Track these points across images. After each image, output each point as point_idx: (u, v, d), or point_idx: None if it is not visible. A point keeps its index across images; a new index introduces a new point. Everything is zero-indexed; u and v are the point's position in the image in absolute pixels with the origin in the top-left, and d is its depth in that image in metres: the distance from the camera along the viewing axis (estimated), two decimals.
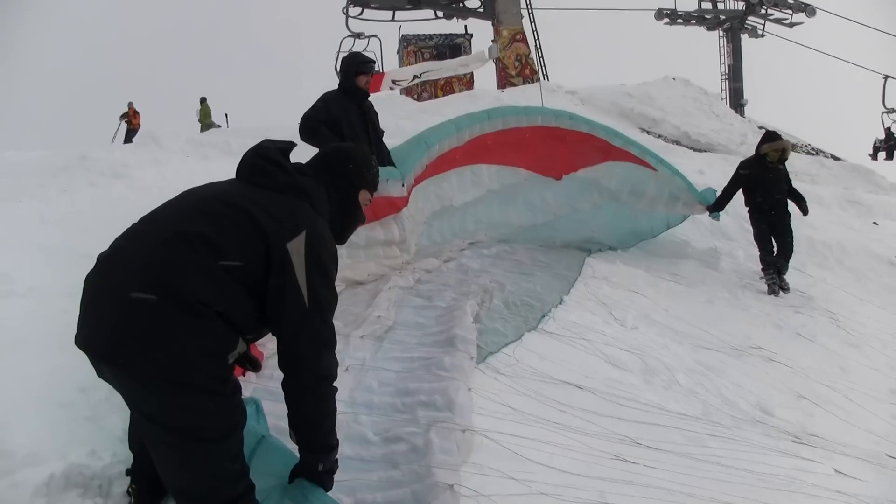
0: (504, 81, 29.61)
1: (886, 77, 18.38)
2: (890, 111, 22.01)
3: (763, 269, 10.03)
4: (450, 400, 4.60)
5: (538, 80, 26.26)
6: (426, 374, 5.07)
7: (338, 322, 5.69)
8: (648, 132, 22.57)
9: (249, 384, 4.40)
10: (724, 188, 10.33)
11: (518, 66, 30.62)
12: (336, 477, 3.22)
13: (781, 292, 9.79)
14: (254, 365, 3.29)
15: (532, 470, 4.22)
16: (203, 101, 27.86)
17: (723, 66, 36.55)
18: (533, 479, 4.13)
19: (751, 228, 10.32)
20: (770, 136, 10.42)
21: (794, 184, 10.46)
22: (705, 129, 23.86)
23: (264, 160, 3.16)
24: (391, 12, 32.21)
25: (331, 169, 3.35)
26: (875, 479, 5.35)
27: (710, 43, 36.88)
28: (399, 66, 32.05)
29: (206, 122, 26.31)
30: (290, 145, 3.30)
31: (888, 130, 24.21)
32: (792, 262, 10.10)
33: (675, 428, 5.18)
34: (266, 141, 3.25)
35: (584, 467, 4.39)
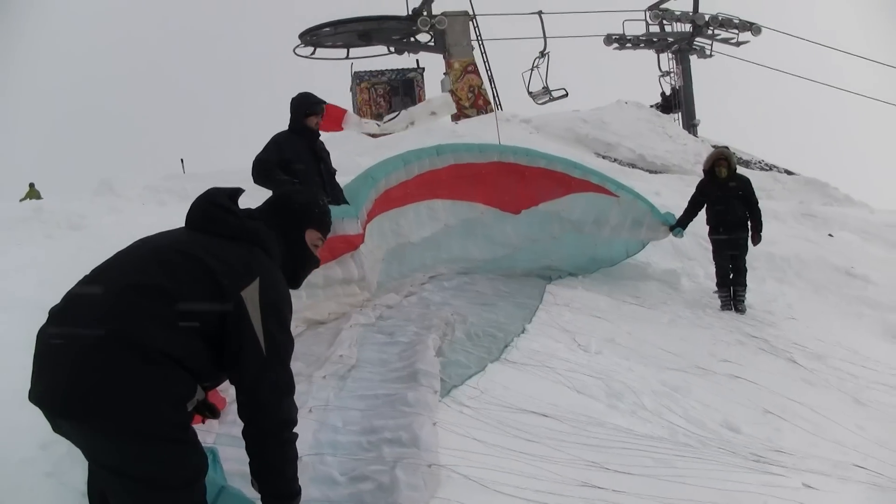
0: (458, 113, 29.78)
1: None
2: None
3: (717, 286, 10.10)
4: (415, 435, 4.56)
5: (492, 110, 26.44)
6: (390, 410, 5.03)
7: (299, 363, 5.69)
8: (604, 157, 22.79)
9: (212, 432, 4.34)
10: (690, 201, 10.40)
11: (471, 98, 30.88)
12: None
13: (737, 312, 9.85)
14: (213, 412, 3.25)
15: (500, 502, 4.18)
16: (31, 185, 26.81)
17: (674, 86, 37.00)
18: None
19: (709, 247, 10.40)
20: (715, 148, 10.59)
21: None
22: (660, 150, 24.15)
23: (214, 206, 3.13)
24: (344, 50, 32.39)
25: (278, 212, 3.33)
26: (843, 489, 5.37)
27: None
28: (353, 101, 32.24)
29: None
30: (239, 191, 3.28)
31: None
32: (751, 277, 10.18)
33: (643, 451, 5.16)
34: (214, 188, 3.23)
35: (552, 496, 4.36)
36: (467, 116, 28.37)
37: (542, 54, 33.00)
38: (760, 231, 10.10)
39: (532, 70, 33.08)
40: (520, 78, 32.63)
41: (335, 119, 9.54)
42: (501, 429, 5.20)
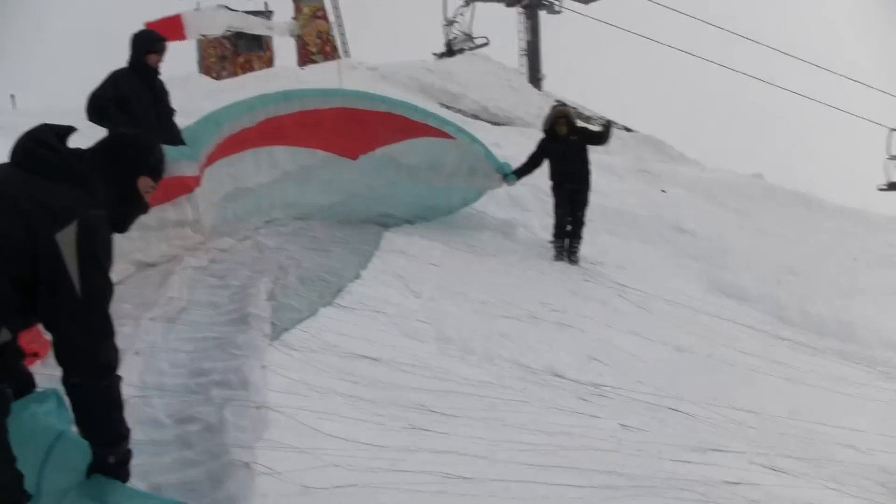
0: (305, 59, 29.33)
1: (892, 130, 18.99)
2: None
3: (553, 236, 10.28)
4: (244, 378, 4.52)
5: (339, 57, 26.14)
6: (220, 353, 4.96)
7: (127, 305, 5.53)
8: (448, 107, 22.84)
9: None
10: (530, 156, 10.48)
11: (319, 43, 30.42)
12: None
13: (570, 263, 10.07)
14: (21, 355, 3.13)
15: (326, 444, 4.18)
16: None
17: (521, 41, 37.41)
18: (327, 452, 4.08)
19: (548, 200, 10.55)
20: (553, 107, 10.73)
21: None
22: (504, 103, 24.42)
23: (37, 144, 2.97)
24: None
25: (110, 155, 3.18)
26: (659, 429, 5.61)
27: (511, 19, 37.62)
28: (197, 49, 31.30)
29: None
30: (70, 129, 3.12)
31: None
32: (586, 230, 10.39)
33: (469, 394, 5.24)
34: (42, 125, 3.06)
35: (379, 438, 4.39)
36: (314, 62, 27.96)
37: (467, 3, 33.45)
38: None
39: (453, 20, 33.42)
40: (370, 27, 32.62)
41: (175, 28, 9.17)
42: (330, 373, 5.20)
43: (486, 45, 34.29)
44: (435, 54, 34.29)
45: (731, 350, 8.46)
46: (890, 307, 12.42)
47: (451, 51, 34.42)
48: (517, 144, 13.77)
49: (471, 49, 33.86)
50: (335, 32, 30.96)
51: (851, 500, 5.41)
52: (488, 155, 10.58)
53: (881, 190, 18.61)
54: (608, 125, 10.52)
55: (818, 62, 18.38)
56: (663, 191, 14.41)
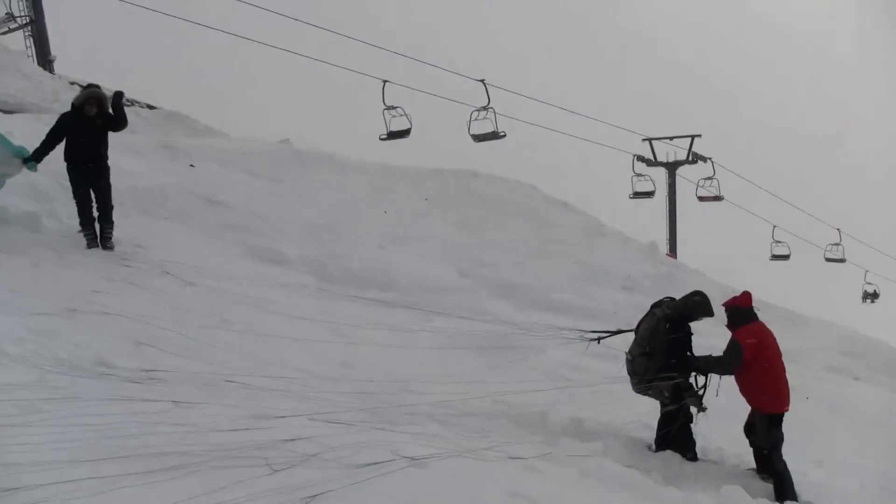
0: None
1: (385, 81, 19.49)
2: None
3: (81, 224, 9.79)
4: None
5: None
6: None
7: None
8: None
9: None
10: (48, 133, 9.82)
11: None
12: None
13: (105, 249, 9.69)
14: None
15: None
16: None
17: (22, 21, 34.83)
18: None
19: (69, 186, 9.99)
20: (86, 88, 10.25)
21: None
22: (12, 89, 22.62)
23: None
24: None
25: None
26: (215, 403, 5.64)
27: None
28: None
29: None
30: None
31: None
32: (117, 213, 10.03)
33: (6, 400, 4.88)
34: None
35: None
36: None
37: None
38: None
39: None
40: None
41: None
42: None
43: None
44: None
45: (280, 315, 8.72)
46: (421, 253, 13.54)
47: None
48: (33, 131, 12.86)
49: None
50: None
51: (407, 437, 5.85)
52: (4, 141, 9.78)
53: (382, 140, 19.95)
54: (119, 95, 10.17)
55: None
56: (192, 165, 14.31)
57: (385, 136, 20.01)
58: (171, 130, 19.17)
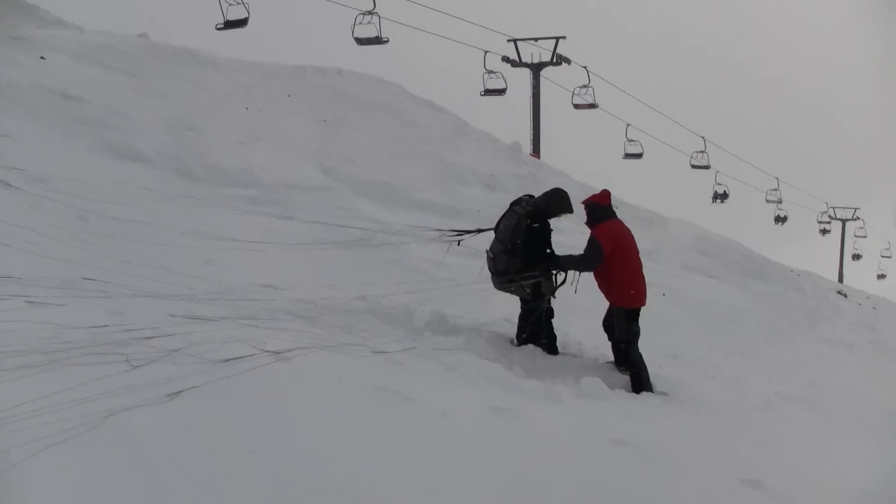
0: None
1: None
2: None
3: None
4: None
5: None
6: None
7: None
8: None
9: None
10: None
11: None
12: None
13: None
14: None
15: None
16: None
17: None
18: None
19: None
20: None
21: None
22: None
23: None
24: None
25: None
26: (71, 300, 5.56)
27: None
28: None
29: None
30: None
31: None
32: None
33: None
34: None
35: None
36: None
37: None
38: None
39: None
40: None
41: None
42: None
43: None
44: None
45: (141, 213, 8.56)
46: (284, 151, 13.40)
47: None
48: None
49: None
50: None
51: (270, 332, 5.88)
52: None
53: (219, 29, 19.56)
54: None
55: None
56: (43, 58, 13.63)
57: (221, 26, 19.57)
58: (18, 21, 18.14)
